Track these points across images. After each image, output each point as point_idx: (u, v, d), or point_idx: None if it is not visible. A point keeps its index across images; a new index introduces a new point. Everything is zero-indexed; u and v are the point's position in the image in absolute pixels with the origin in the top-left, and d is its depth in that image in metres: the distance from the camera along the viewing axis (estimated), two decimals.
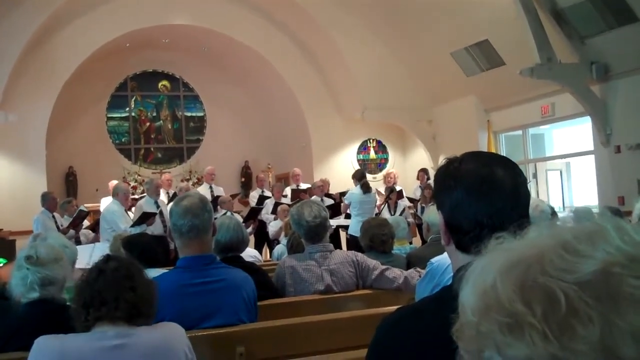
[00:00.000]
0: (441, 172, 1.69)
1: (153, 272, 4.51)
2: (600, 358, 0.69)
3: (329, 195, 12.05)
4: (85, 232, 10.73)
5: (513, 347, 0.72)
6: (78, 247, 5.86)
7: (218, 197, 11.84)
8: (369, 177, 12.68)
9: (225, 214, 10.31)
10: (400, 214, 10.99)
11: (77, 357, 2.33)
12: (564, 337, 0.70)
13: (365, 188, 11.15)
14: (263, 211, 11.89)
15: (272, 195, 12.37)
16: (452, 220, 1.65)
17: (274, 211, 11.60)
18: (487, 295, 0.77)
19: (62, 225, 10.44)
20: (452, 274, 3.26)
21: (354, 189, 11.42)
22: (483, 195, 1.59)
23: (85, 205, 11.84)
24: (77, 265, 4.38)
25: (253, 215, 11.35)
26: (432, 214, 5.72)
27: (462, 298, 0.81)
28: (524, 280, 0.75)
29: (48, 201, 10.60)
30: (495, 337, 0.74)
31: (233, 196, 12.53)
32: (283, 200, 12.02)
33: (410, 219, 11.38)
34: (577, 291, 0.71)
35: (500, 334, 0.73)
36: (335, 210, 11.21)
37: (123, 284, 2.41)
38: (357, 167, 15.55)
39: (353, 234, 10.48)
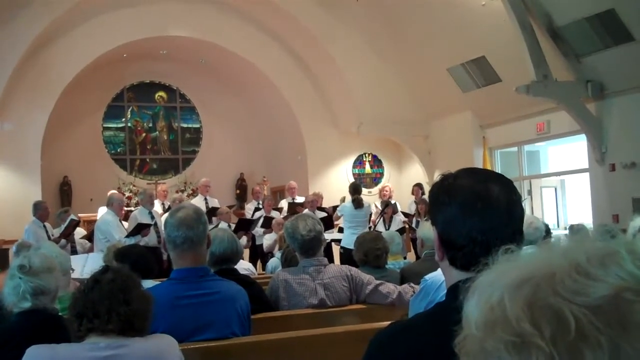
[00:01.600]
0: (436, 188, 1.69)
1: (146, 284, 4.50)
2: None
3: (321, 209, 12.01)
4: (81, 242, 10.68)
5: None
6: (71, 257, 5.84)
7: (214, 208, 11.81)
8: (364, 191, 12.66)
9: (217, 225, 10.29)
10: (398, 230, 10.93)
11: None
12: None
13: (357, 204, 11.02)
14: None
15: (263, 208, 12.35)
16: (445, 236, 1.65)
17: (263, 225, 11.54)
18: (494, 312, 0.75)
19: (53, 235, 10.37)
20: (446, 290, 3.25)
21: (347, 202, 11.36)
22: (477, 211, 1.59)
23: (80, 215, 11.80)
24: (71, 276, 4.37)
25: (243, 226, 11.24)
26: (426, 229, 5.71)
27: (466, 310, 0.80)
28: (533, 299, 0.73)
29: (40, 210, 10.48)
30: (500, 355, 0.72)
31: (229, 208, 12.49)
32: (275, 213, 11.99)
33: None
34: (588, 315, 0.70)
35: (506, 353, 0.72)
36: (327, 224, 11.17)
37: (117, 296, 2.40)
38: (353, 180, 15.56)
39: (345, 247, 10.44)
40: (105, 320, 2.36)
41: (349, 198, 11.57)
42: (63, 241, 10.20)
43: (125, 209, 11.07)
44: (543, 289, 0.73)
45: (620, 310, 0.70)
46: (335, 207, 12.07)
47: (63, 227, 10.60)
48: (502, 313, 0.74)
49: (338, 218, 11.52)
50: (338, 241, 11.65)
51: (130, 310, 2.40)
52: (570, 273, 0.74)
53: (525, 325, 0.72)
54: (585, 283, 0.73)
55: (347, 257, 9.43)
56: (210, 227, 10.41)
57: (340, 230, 11.75)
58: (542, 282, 0.74)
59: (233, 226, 10.82)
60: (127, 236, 9.46)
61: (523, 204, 1.73)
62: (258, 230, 11.69)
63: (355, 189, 11.36)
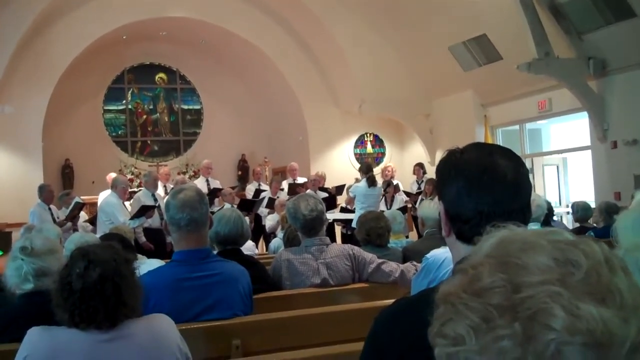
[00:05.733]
0: (442, 163, 1.69)
1: (153, 263, 4.51)
2: (507, 290, 0.76)
3: (324, 189, 12.01)
4: (83, 225, 10.70)
5: (445, 322, 0.80)
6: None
7: (216, 189, 11.82)
8: None
9: (222, 207, 10.29)
10: (400, 209, 10.91)
11: (68, 350, 2.31)
12: (472, 285, 0.80)
13: (371, 182, 10.98)
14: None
15: (270, 189, 12.36)
16: (452, 210, 1.65)
17: (268, 205, 11.58)
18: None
19: (58, 218, 10.42)
20: (447, 268, 3.26)
21: (360, 182, 11.29)
22: (484, 184, 1.58)
23: (82, 197, 11.81)
24: None
25: (245, 207, 11.25)
26: (426, 209, 5.72)
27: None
28: (447, 280, 0.87)
29: (45, 193, 10.57)
30: (435, 328, 0.82)
31: (231, 189, 12.49)
32: (280, 194, 12.01)
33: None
34: (482, 259, 0.83)
35: (437, 321, 0.82)
36: (329, 203, 11.16)
37: (105, 288, 2.36)
38: (355, 161, 15.55)
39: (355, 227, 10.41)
40: (96, 311, 2.34)
41: (349, 181, 11.56)
42: (69, 224, 10.24)
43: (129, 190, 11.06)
44: (454, 269, 0.86)
45: (504, 243, 0.84)
46: (338, 188, 12.07)
47: (68, 210, 10.63)
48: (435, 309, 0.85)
49: (350, 200, 11.45)
50: (341, 221, 11.66)
51: (123, 299, 2.38)
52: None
53: (443, 291, 0.84)
54: (478, 246, 0.87)
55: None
56: (214, 208, 10.48)
57: (342, 210, 11.75)
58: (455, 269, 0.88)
59: (234, 207, 10.82)
60: (132, 218, 9.48)
61: (530, 179, 1.72)
62: (263, 210, 11.73)
63: (368, 168, 11.35)
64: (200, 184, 12.07)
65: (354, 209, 11.20)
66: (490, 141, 13.64)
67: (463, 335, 0.76)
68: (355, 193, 11.18)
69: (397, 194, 12.09)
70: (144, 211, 9.63)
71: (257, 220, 11.77)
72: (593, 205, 8.70)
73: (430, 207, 5.59)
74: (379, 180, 13.06)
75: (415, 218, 11.43)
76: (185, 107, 17.84)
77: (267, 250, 10.09)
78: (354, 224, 10.82)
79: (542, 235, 0.83)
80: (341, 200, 12.11)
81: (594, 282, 0.76)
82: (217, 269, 3.36)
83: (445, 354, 0.79)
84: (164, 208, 3.52)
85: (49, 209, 10.52)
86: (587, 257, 0.78)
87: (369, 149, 16.35)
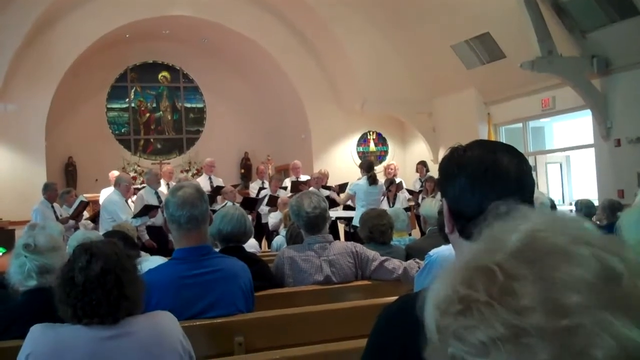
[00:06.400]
0: (446, 160, 1.68)
1: (156, 260, 4.50)
2: (546, 309, 0.72)
3: (326, 187, 11.99)
4: (85, 223, 10.71)
5: (468, 328, 0.75)
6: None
7: (218, 187, 11.81)
8: None
9: (225, 204, 10.28)
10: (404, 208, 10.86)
11: (71, 347, 2.31)
12: (506, 299, 0.74)
13: (372, 180, 10.94)
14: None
15: (270, 187, 12.34)
16: (455, 207, 1.64)
17: (269, 203, 11.55)
18: (441, 303, 0.80)
19: (61, 215, 10.45)
20: None
21: (360, 180, 11.23)
22: (487, 181, 1.58)
23: (85, 195, 11.83)
24: None
25: (248, 205, 11.22)
26: (427, 207, 5.73)
27: (425, 320, 0.83)
28: (464, 273, 0.80)
29: (49, 191, 10.61)
30: (452, 328, 0.77)
31: (234, 187, 12.50)
32: (282, 192, 11.99)
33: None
34: (509, 259, 0.77)
35: (455, 322, 0.76)
36: (332, 201, 11.14)
37: (107, 280, 2.36)
38: (357, 159, 15.54)
39: (357, 225, 10.37)
40: (99, 304, 2.34)
41: (353, 180, 11.50)
42: (71, 222, 10.26)
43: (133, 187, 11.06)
44: (470, 263, 0.80)
45: (536, 247, 0.78)
46: (341, 186, 12.03)
47: (72, 208, 10.65)
48: (445, 298, 0.80)
49: (350, 197, 11.39)
50: (343, 219, 11.63)
51: (122, 294, 2.38)
52: (488, 242, 0.83)
53: (462, 290, 0.78)
54: (502, 238, 0.81)
55: (359, 235, 9.39)
56: (216, 206, 10.48)
57: (346, 208, 11.71)
58: (469, 261, 0.81)
59: (238, 205, 10.81)
60: (135, 217, 9.48)
61: (533, 176, 1.72)
62: (263, 208, 11.72)
63: (369, 166, 11.28)
64: (203, 182, 12.06)
65: (350, 205, 11.18)
66: (493, 139, 13.62)
67: (488, 347, 0.73)
68: (355, 190, 11.11)
69: (399, 192, 12.06)
70: (147, 210, 9.63)
71: (257, 218, 11.74)
72: (596, 203, 8.69)
73: (432, 205, 5.60)
74: (382, 179, 13.08)
75: (418, 216, 11.41)
76: (188, 105, 17.86)
77: (269, 248, 10.08)
78: (354, 222, 10.84)
79: (573, 235, 0.79)
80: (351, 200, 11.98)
81: (634, 295, 0.74)
82: (218, 266, 3.36)
83: (462, 358, 0.76)
84: (164, 206, 3.51)
85: (52, 207, 10.55)
86: (626, 265, 0.76)
87: (372, 147, 16.35)
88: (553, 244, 0.78)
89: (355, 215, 10.87)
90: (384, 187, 11.66)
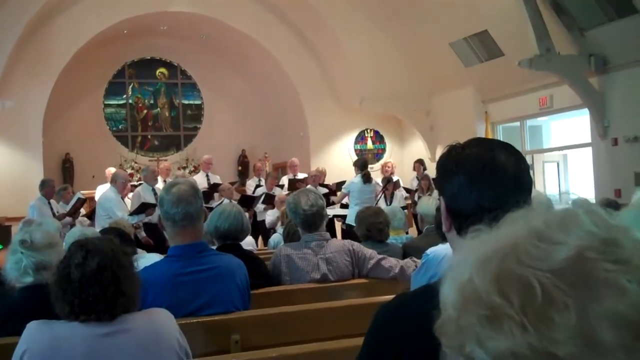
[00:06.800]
0: (443, 158, 1.68)
1: (153, 257, 4.50)
2: (579, 345, 0.69)
3: (324, 185, 11.99)
4: (81, 220, 10.70)
5: (493, 339, 0.72)
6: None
7: (216, 184, 11.79)
8: None
9: (221, 202, 10.27)
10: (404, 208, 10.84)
11: (68, 344, 2.31)
12: (541, 326, 0.70)
13: (366, 178, 10.97)
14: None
15: (266, 185, 12.32)
16: (453, 205, 1.64)
17: (264, 201, 11.53)
18: (465, 289, 0.77)
19: (57, 212, 10.43)
20: (447, 265, 3.21)
21: (354, 178, 11.23)
22: (484, 179, 1.58)
23: (82, 192, 11.81)
24: None
25: (245, 203, 11.20)
26: (425, 205, 5.72)
27: (442, 294, 0.80)
28: (499, 271, 0.75)
29: (46, 188, 10.60)
30: (475, 330, 0.73)
31: (231, 184, 12.49)
32: (279, 190, 11.97)
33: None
34: (552, 279, 0.71)
35: (480, 327, 0.73)
36: (330, 199, 11.14)
37: (104, 276, 2.36)
38: (355, 157, 15.52)
39: (351, 223, 10.39)
40: (96, 301, 2.33)
41: (351, 178, 11.50)
42: (68, 218, 10.24)
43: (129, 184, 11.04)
44: (508, 260, 0.75)
45: (584, 270, 0.72)
46: (338, 184, 12.03)
47: (69, 205, 10.64)
48: (472, 289, 0.75)
49: (344, 196, 11.41)
50: (340, 217, 11.63)
51: (122, 289, 2.37)
52: (532, 241, 0.76)
53: (495, 297, 0.73)
54: (547, 248, 0.74)
55: (352, 234, 9.42)
56: (213, 203, 10.48)
57: (343, 206, 11.71)
58: (506, 254, 0.75)
59: (235, 203, 10.79)
60: (131, 214, 9.45)
61: (531, 174, 1.72)
62: (259, 206, 11.70)
63: (363, 164, 11.31)
64: (200, 179, 12.05)
65: (347, 204, 11.19)
66: (490, 137, 13.63)
67: (508, 358, 0.71)
68: (349, 189, 11.14)
69: (397, 190, 12.05)
70: (144, 208, 9.60)
71: (253, 216, 11.71)
72: (593, 202, 8.68)
73: (430, 204, 5.59)
74: (379, 177, 13.07)
75: (414, 215, 11.42)
76: (186, 102, 17.83)
77: (265, 245, 10.07)
78: (348, 220, 10.86)
79: (623, 261, 0.73)
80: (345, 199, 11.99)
81: None
82: (214, 263, 3.36)
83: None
84: (158, 203, 3.49)
85: (49, 203, 10.53)
86: None
87: (370, 145, 16.34)
88: (603, 271, 0.72)
89: (349, 214, 10.88)
90: (378, 186, 11.66)
